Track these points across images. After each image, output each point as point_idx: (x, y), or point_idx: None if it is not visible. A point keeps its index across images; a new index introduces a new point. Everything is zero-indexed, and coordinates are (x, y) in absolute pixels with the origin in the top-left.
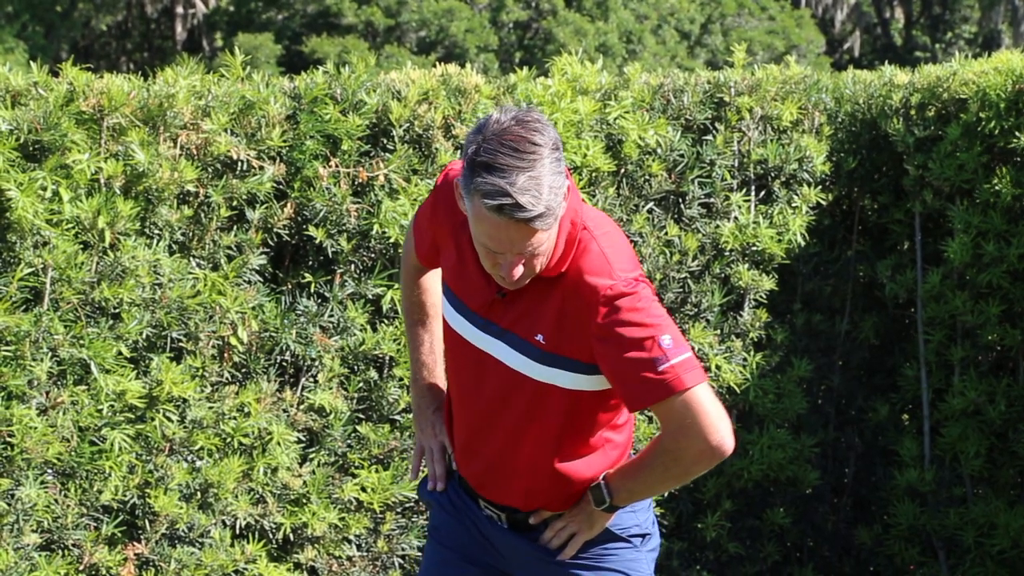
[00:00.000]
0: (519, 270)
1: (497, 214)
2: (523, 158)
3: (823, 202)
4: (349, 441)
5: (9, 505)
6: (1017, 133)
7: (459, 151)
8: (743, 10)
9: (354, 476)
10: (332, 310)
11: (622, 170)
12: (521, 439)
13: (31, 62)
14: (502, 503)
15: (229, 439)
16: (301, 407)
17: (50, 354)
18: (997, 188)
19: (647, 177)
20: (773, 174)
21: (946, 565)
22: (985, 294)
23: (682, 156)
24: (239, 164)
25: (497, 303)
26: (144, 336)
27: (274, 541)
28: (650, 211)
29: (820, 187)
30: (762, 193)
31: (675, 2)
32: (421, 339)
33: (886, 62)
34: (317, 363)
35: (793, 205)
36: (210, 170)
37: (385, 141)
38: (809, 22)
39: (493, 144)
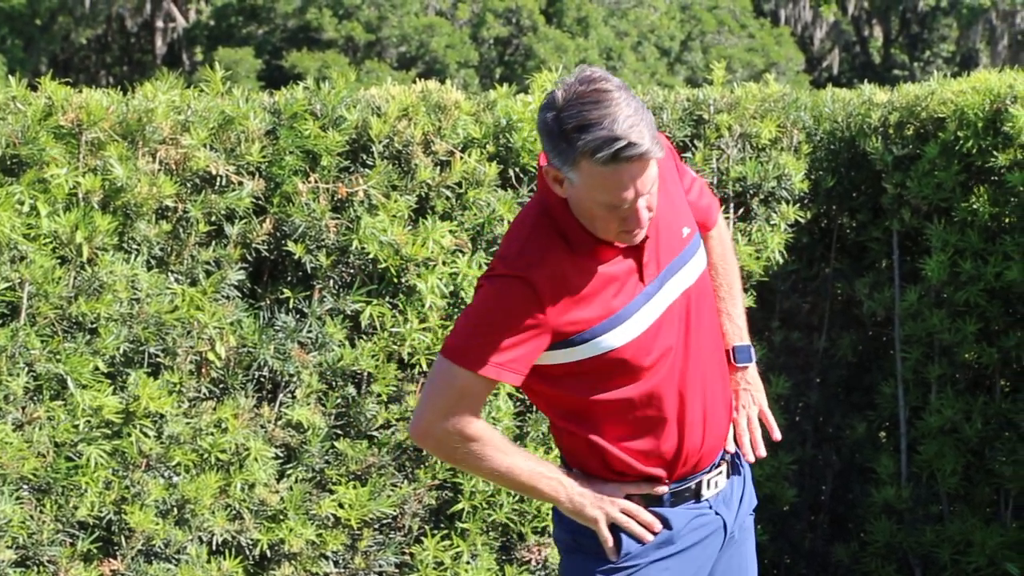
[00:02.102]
0: (646, 213)
1: (614, 162)
2: (608, 105)
3: (801, 220)
4: (327, 457)
5: None
6: (995, 152)
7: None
8: (723, 28)
9: (332, 492)
10: (310, 326)
11: None
12: (717, 352)
13: (10, 75)
14: (720, 455)
15: (206, 455)
16: (279, 423)
17: (26, 369)
18: (974, 207)
19: None
20: (752, 192)
21: None
22: (962, 312)
23: None
24: (218, 179)
25: (648, 259)
26: (121, 351)
27: (251, 558)
28: None
29: (798, 205)
30: (741, 211)
31: (655, 19)
32: (525, 458)
33: (865, 80)
34: (295, 379)
35: (771, 223)
36: (189, 185)
37: (365, 157)
38: (788, 40)
39: (574, 108)
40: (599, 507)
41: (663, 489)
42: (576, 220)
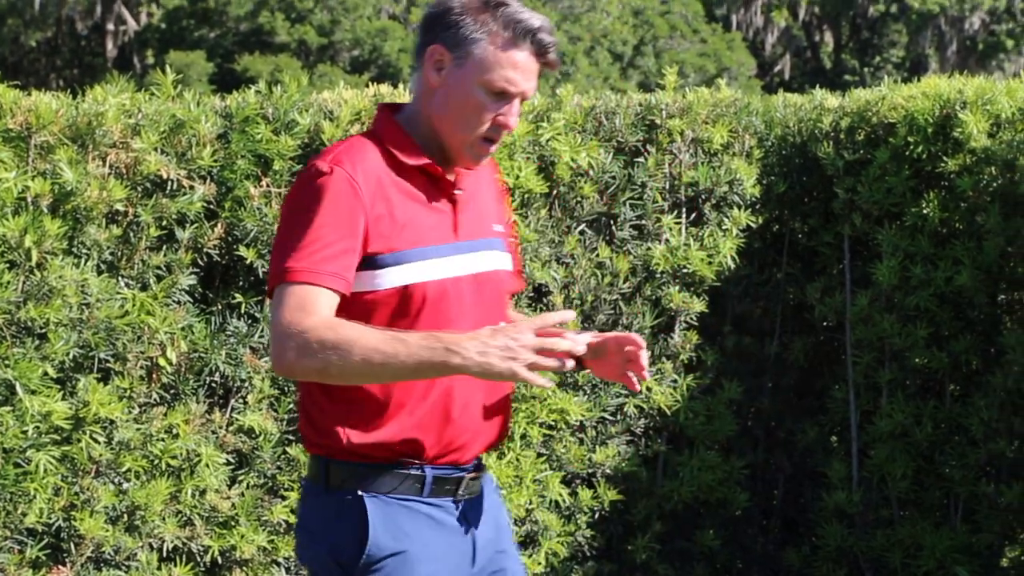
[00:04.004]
0: (516, 119)
1: (526, 41)
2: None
3: (753, 225)
4: (279, 463)
5: None
6: (944, 157)
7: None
8: (675, 32)
9: (284, 498)
10: (262, 331)
11: (554, 192)
12: None
13: None
14: (484, 451)
15: (157, 461)
16: (230, 428)
17: None
18: (925, 212)
19: (579, 199)
20: (704, 196)
21: None
22: (913, 317)
23: (614, 178)
24: (169, 183)
25: (462, 219)
26: (71, 357)
27: (202, 564)
28: (582, 232)
29: (750, 210)
30: (693, 215)
31: (608, 24)
32: (401, 336)
33: (816, 85)
34: (247, 384)
35: (724, 228)
36: (139, 189)
37: None
38: (740, 45)
39: None
40: (508, 367)
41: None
42: (410, 138)
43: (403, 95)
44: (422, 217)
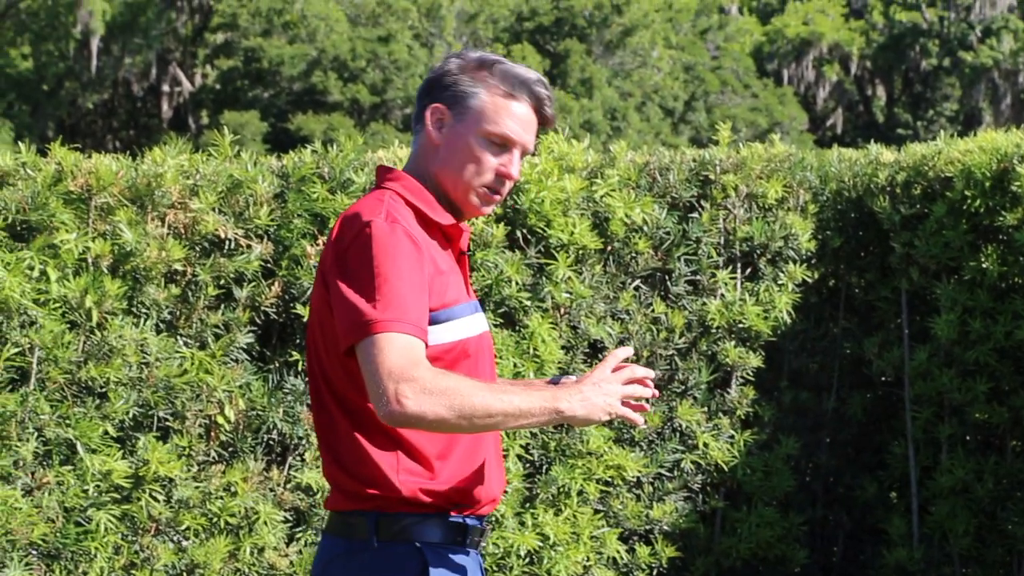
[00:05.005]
0: (519, 170)
1: (526, 95)
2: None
3: (809, 279)
4: None
5: None
6: (1002, 211)
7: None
8: (726, 87)
9: None
10: None
11: (609, 248)
12: None
13: (17, 141)
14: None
15: (215, 519)
16: (288, 486)
17: (36, 434)
18: (983, 266)
19: (633, 255)
20: (759, 251)
21: None
22: (972, 371)
23: (668, 234)
24: (227, 243)
25: (466, 277)
26: (131, 415)
27: None
28: (636, 288)
29: (806, 264)
30: (748, 270)
31: (659, 80)
32: (502, 385)
33: (869, 140)
34: (304, 441)
35: (779, 282)
36: (198, 249)
37: None
38: (792, 99)
39: (493, 54)
40: (607, 410)
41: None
42: (429, 197)
43: None
44: (452, 275)
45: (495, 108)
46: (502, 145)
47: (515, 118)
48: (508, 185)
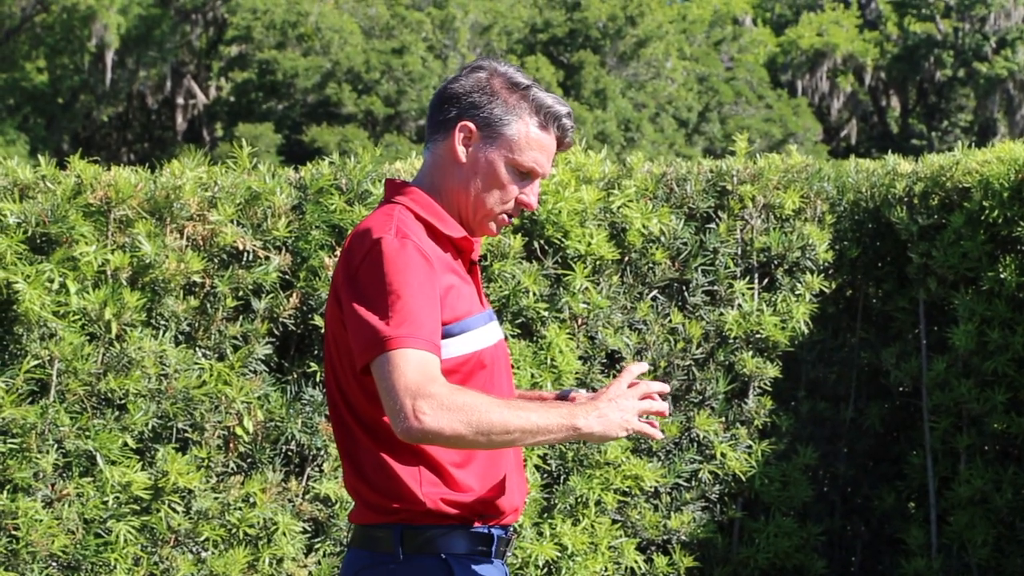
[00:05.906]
0: (536, 198)
1: (554, 126)
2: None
3: (826, 290)
4: None
5: None
6: (1020, 222)
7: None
8: (740, 98)
9: None
10: None
11: (626, 258)
12: None
13: (33, 154)
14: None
15: (234, 530)
16: (307, 497)
17: (56, 446)
18: (1001, 276)
19: (651, 265)
20: (776, 262)
21: None
22: (991, 382)
23: (685, 244)
24: (245, 254)
25: (479, 288)
26: (150, 427)
27: None
28: (654, 299)
29: (823, 275)
30: (765, 281)
31: (673, 91)
32: (520, 401)
33: (884, 150)
34: (323, 452)
35: (796, 293)
36: (216, 260)
37: None
38: (806, 110)
39: (521, 74)
40: (624, 426)
41: (659, 434)
42: (440, 210)
43: None
44: (463, 286)
45: (527, 140)
46: (528, 174)
47: (544, 150)
48: (533, 208)
